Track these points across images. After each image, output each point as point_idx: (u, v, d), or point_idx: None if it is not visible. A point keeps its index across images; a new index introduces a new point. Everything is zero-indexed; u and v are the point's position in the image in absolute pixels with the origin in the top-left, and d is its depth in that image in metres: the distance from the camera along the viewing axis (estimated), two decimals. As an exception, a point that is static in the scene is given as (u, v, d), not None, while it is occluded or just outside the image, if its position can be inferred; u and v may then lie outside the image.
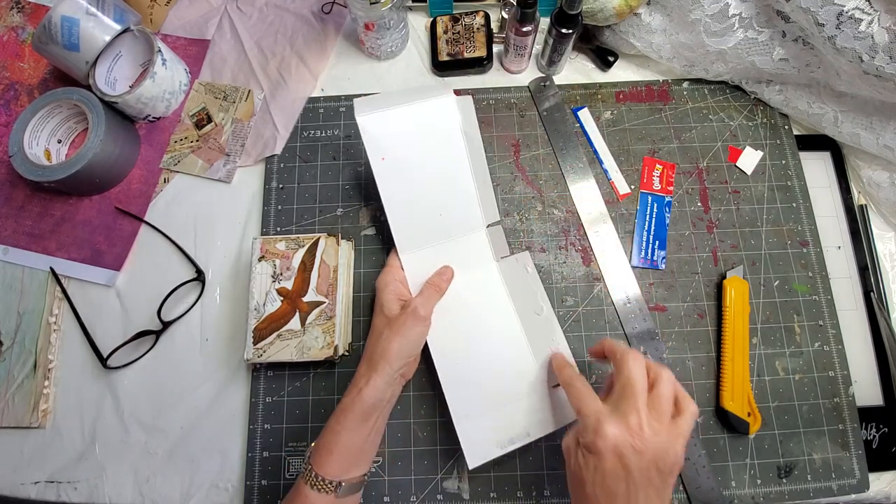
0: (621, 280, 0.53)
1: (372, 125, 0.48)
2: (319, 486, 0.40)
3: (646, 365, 0.38)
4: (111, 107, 0.56)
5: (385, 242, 0.55)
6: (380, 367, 0.43)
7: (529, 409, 0.47)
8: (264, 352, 0.48)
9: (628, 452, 0.33)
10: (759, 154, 0.57)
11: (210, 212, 0.57)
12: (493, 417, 0.46)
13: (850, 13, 0.43)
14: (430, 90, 0.50)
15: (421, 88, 0.52)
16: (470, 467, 0.44)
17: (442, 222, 0.50)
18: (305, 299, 0.50)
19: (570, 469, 0.38)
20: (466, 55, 0.59)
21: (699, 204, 0.56)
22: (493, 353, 0.49)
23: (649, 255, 0.54)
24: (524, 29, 0.54)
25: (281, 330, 0.49)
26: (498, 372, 0.48)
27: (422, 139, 0.49)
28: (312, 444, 0.43)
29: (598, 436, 0.34)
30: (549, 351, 0.48)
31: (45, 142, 0.57)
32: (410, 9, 0.63)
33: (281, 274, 0.50)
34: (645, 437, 0.34)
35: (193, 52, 0.63)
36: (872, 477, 0.49)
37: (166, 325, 0.53)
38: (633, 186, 0.57)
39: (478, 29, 0.60)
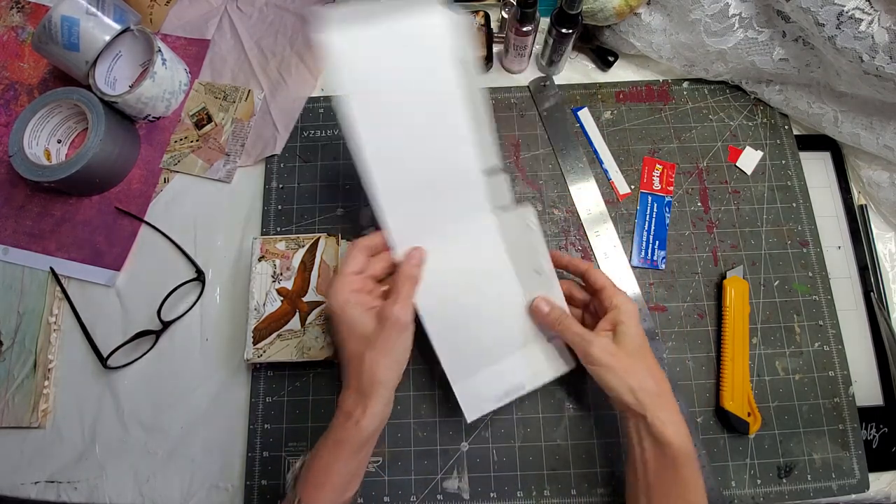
0: (621, 280, 0.53)
1: (343, 46, 0.37)
2: None
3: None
4: (111, 107, 0.56)
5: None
6: (374, 393, 0.39)
7: (524, 363, 0.46)
8: (264, 352, 0.48)
9: (635, 315, 0.43)
10: (759, 154, 0.57)
11: (210, 212, 0.57)
12: (489, 373, 0.46)
13: (850, 13, 0.43)
14: (412, 3, 0.40)
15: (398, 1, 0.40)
16: (468, 420, 0.45)
17: (432, 176, 0.43)
18: (305, 299, 0.50)
19: (608, 364, 0.41)
20: (466, 55, 0.59)
21: (699, 204, 0.56)
22: (486, 311, 0.46)
23: (649, 255, 0.54)
24: (524, 29, 0.54)
25: (281, 330, 0.49)
26: (492, 329, 0.46)
27: (405, 70, 0.40)
28: (298, 466, 0.41)
29: (627, 305, 0.43)
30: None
31: (45, 142, 0.57)
32: (410, 9, 0.63)
33: (281, 274, 0.50)
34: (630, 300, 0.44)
35: (193, 52, 0.63)
36: (872, 477, 0.49)
37: (166, 325, 0.53)
38: (633, 186, 0.57)
39: (478, 29, 0.60)
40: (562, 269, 0.48)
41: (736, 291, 0.51)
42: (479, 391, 0.45)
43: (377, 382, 0.39)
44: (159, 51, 0.56)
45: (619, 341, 0.42)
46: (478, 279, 0.46)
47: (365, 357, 0.39)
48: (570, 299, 0.48)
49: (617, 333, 0.42)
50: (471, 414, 0.45)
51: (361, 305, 0.40)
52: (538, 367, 0.46)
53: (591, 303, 0.47)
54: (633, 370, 0.41)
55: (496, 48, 0.62)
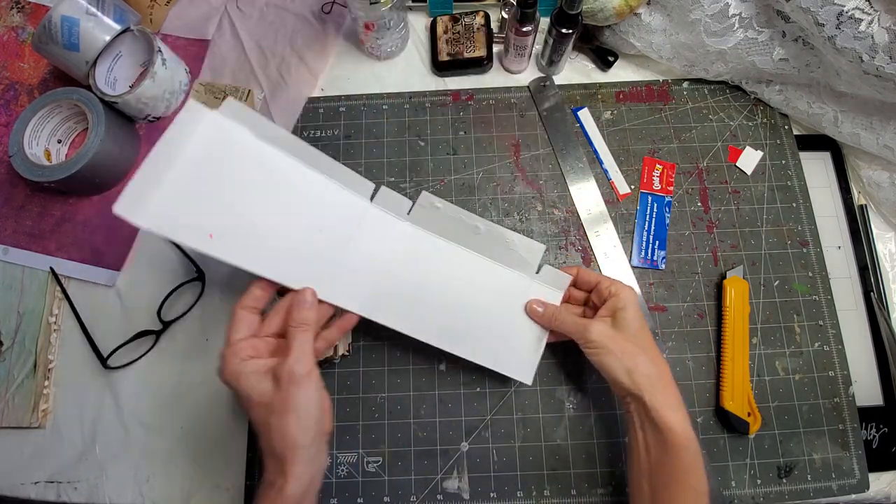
0: (621, 280, 0.53)
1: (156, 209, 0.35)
2: None
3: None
4: (111, 107, 0.56)
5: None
6: (293, 457, 0.35)
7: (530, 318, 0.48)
8: (264, 352, 0.48)
9: (633, 302, 0.44)
10: (759, 154, 0.57)
11: (210, 212, 0.57)
12: (509, 340, 0.47)
13: (850, 13, 0.43)
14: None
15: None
16: (529, 383, 0.47)
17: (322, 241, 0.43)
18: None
19: (607, 346, 0.42)
20: (466, 55, 0.59)
21: (699, 204, 0.56)
22: (467, 294, 0.47)
23: (649, 255, 0.54)
24: (524, 29, 0.54)
25: (281, 330, 0.49)
26: (485, 304, 0.47)
27: (222, 176, 0.38)
28: None
29: (624, 292, 0.44)
30: (518, 256, 0.48)
31: (45, 142, 0.57)
32: (410, 9, 0.63)
33: (281, 274, 0.50)
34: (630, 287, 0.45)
35: (193, 52, 0.63)
36: (872, 477, 0.49)
37: (166, 325, 0.53)
38: (633, 186, 0.57)
39: (478, 29, 0.60)
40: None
41: (736, 291, 0.51)
42: (515, 356, 0.47)
43: (291, 446, 0.35)
44: (159, 51, 0.56)
45: (616, 325, 0.43)
46: (436, 274, 0.47)
47: (271, 424, 0.35)
48: (569, 300, 0.49)
49: (615, 318, 0.43)
50: (527, 377, 0.47)
51: (256, 372, 0.36)
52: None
53: (588, 300, 0.48)
54: (630, 352, 0.42)
55: (496, 48, 0.62)
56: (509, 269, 0.48)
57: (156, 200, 0.34)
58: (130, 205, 0.33)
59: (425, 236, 0.47)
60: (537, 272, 0.48)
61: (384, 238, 0.45)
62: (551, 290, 0.48)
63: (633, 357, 0.41)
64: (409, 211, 0.46)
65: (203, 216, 0.37)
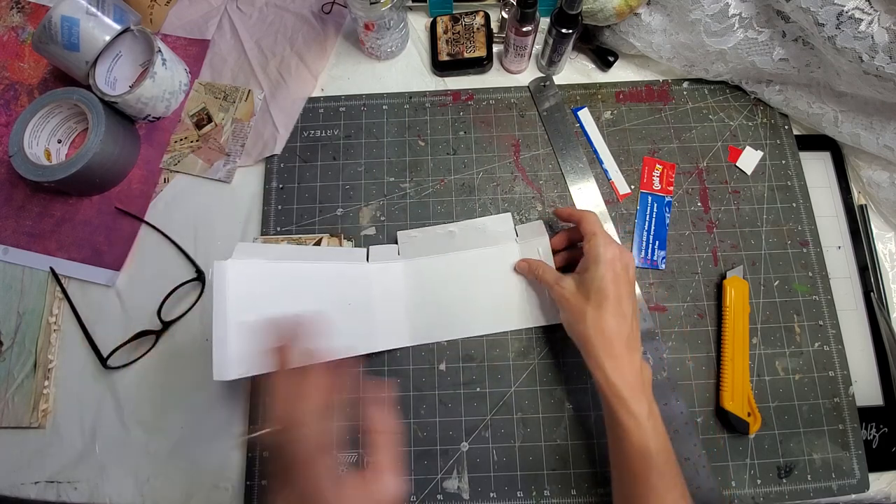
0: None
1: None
2: None
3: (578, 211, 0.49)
4: (111, 107, 0.56)
5: (386, 242, 0.55)
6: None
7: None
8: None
9: (618, 264, 0.44)
10: (759, 154, 0.57)
11: (210, 212, 0.57)
12: (529, 299, 0.53)
13: (850, 13, 0.43)
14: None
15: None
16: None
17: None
18: (305, 299, 0.50)
19: (572, 299, 0.44)
20: (466, 55, 0.59)
21: (699, 204, 0.56)
22: (475, 284, 0.53)
23: (649, 255, 0.54)
24: (524, 29, 0.54)
25: (281, 330, 0.49)
26: (494, 282, 0.53)
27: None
28: None
29: (607, 250, 0.44)
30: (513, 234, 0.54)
31: (45, 142, 0.57)
32: (410, 9, 0.63)
33: (281, 274, 0.50)
34: (625, 252, 0.45)
35: (193, 52, 0.63)
36: (872, 477, 0.49)
37: (166, 325, 0.53)
38: (633, 186, 0.57)
39: (478, 29, 0.60)
40: (565, 220, 0.51)
41: (736, 292, 0.51)
42: (544, 307, 0.52)
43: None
44: (159, 51, 0.56)
45: (580, 282, 0.44)
46: (446, 285, 0.54)
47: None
48: (568, 241, 0.52)
49: (582, 277, 0.44)
50: (557, 318, 0.50)
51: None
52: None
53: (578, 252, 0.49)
54: (582, 314, 0.43)
55: (496, 48, 0.62)
56: (494, 246, 0.54)
57: (233, 357, 0.41)
58: (220, 371, 0.40)
59: (420, 262, 0.54)
60: (517, 236, 0.54)
61: (393, 282, 0.53)
62: (537, 239, 0.52)
63: (585, 319, 0.42)
64: (399, 252, 0.54)
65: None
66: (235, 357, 0.41)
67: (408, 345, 0.52)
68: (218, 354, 0.41)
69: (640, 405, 0.40)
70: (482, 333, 0.52)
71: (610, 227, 0.55)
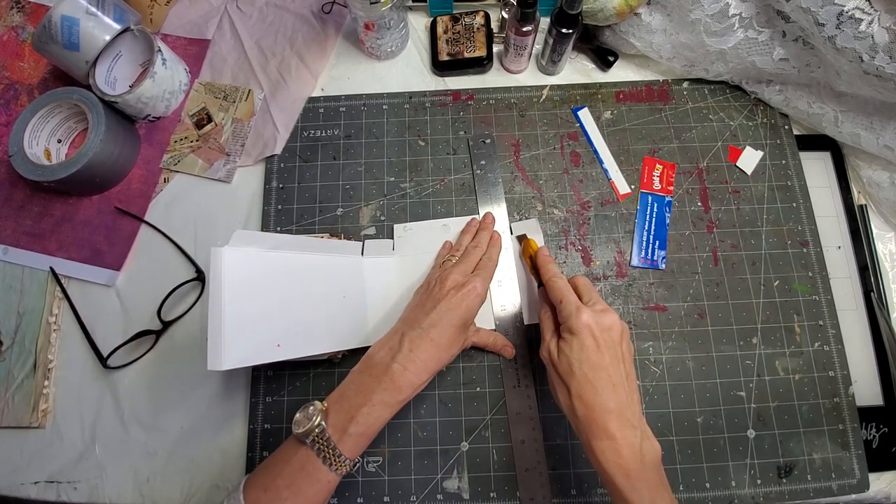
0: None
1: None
2: (338, 466, 0.38)
3: (565, 278, 0.45)
4: (111, 107, 0.56)
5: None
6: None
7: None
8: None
9: (596, 330, 0.40)
10: (759, 154, 0.57)
11: (210, 212, 0.57)
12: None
13: (850, 13, 0.43)
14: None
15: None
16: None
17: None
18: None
19: (555, 368, 0.41)
20: (466, 55, 0.59)
21: (699, 204, 0.56)
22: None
23: (649, 254, 0.54)
24: (524, 29, 0.54)
25: (281, 330, 0.49)
26: None
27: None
28: (324, 405, 0.40)
29: (577, 319, 0.40)
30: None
31: (45, 141, 0.57)
32: (410, 9, 0.63)
33: (281, 274, 0.50)
34: (605, 316, 0.41)
35: (193, 52, 0.63)
36: (872, 477, 0.49)
37: (166, 325, 0.53)
38: (633, 186, 0.57)
39: (478, 29, 0.60)
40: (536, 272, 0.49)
41: (525, 245, 0.52)
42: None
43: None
44: (159, 51, 0.56)
45: (560, 350, 0.41)
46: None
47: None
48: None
49: (561, 346, 0.41)
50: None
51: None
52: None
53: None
54: (563, 386, 0.40)
55: (496, 48, 0.62)
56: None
57: (227, 347, 0.40)
58: (214, 361, 0.40)
59: (413, 257, 0.54)
60: (512, 233, 0.55)
61: (387, 277, 0.53)
62: (532, 236, 0.54)
63: (564, 389, 0.40)
64: (393, 248, 0.54)
65: (263, 334, 0.43)
66: (231, 347, 0.40)
67: None
68: (213, 343, 0.40)
69: (640, 496, 0.35)
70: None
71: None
